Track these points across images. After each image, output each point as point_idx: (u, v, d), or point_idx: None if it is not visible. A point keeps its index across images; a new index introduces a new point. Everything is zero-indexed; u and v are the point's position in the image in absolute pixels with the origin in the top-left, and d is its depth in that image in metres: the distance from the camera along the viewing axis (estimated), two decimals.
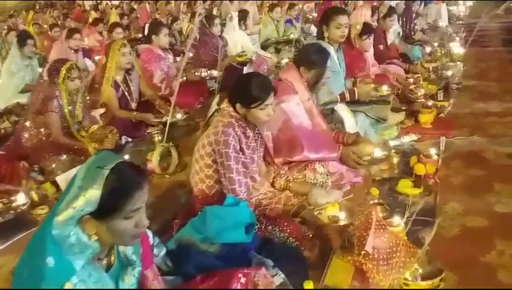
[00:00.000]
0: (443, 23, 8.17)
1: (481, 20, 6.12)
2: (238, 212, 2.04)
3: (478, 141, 3.24)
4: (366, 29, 3.97)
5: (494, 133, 3.35)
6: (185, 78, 4.62)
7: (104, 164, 1.30)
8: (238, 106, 2.17)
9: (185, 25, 8.43)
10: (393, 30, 5.54)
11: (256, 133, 2.36)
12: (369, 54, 4.45)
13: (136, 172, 1.36)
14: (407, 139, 3.32)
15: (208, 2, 12.26)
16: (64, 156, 3.24)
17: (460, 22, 8.77)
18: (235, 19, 6.36)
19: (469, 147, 3.15)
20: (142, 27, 7.30)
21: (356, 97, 3.34)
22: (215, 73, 4.75)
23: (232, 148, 2.13)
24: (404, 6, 5.86)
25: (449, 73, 4.50)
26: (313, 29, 8.37)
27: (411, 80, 4.52)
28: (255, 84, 2.14)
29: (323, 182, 2.51)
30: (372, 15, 4.46)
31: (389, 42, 5.44)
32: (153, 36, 4.45)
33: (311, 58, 2.71)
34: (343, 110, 3.18)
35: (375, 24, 4.52)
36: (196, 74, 4.77)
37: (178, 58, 6.80)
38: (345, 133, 2.93)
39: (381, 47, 5.02)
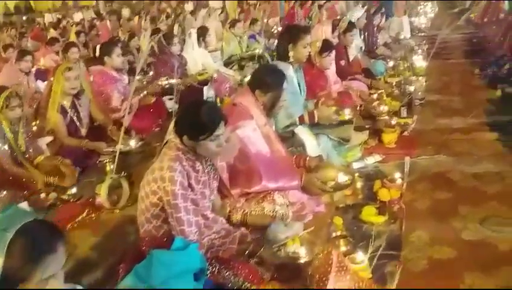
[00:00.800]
0: (406, 35, 8.24)
1: (442, 32, 6.19)
2: (186, 257, 1.84)
3: (443, 160, 3.15)
4: (326, 46, 3.87)
5: (459, 151, 3.28)
6: (145, 92, 4.42)
7: (9, 225, 1.11)
8: (185, 138, 1.98)
9: (144, 42, 8.20)
10: (355, 45, 5.48)
11: (209, 165, 2.17)
12: (331, 71, 4.35)
13: (49, 233, 1.17)
14: (371, 160, 3.20)
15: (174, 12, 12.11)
16: (4, 192, 2.97)
17: (422, 34, 8.89)
18: (194, 36, 6.17)
19: (434, 168, 3.05)
20: (94, 47, 7.05)
21: (316, 120, 3.21)
22: (173, 81, 4.55)
23: (179, 185, 1.93)
24: (365, 21, 5.83)
25: (412, 88, 4.44)
26: None
27: (375, 96, 4.45)
28: (203, 114, 1.96)
29: (283, 214, 2.34)
30: (333, 31, 4.37)
31: (351, 57, 5.37)
32: (106, 57, 4.23)
33: (266, 81, 2.56)
34: (304, 133, 3.03)
35: (335, 40, 4.43)
36: (155, 82, 4.57)
37: (138, 77, 6.59)
38: (306, 157, 2.79)
39: (343, 63, 4.94)
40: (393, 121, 3.56)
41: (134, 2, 20.36)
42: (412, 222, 2.40)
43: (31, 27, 16.98)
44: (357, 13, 5.66)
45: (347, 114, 3.39)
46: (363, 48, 5.71)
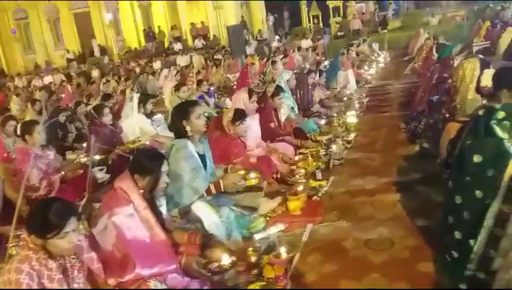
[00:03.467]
0: (351, 89, 8.51)
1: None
2: None
3: (344, 226, 3.18)
4: (239, 115, 3.97)
5: (361, 215, 3.32)
6: (62, 172, 4.41)
7: None
8: (32, 237, 1.98)
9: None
10: (287, 106, 5.65)
11: (73, 258, 2.16)
12: (253, 136, 4.46)
13: None
14: (274, 230, 3.21)
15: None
16: None
17: (368, 86, 9.19)
18: (135, 101, 6.31)
19: (332, 235, 3.08)
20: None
21: (222, 189, 3.25)
22: (97, 157, 4.57)
23: (26, 288, 1.90)
24: (295, 82, 6.02)
25: (334, 147, 4.54)
26: (228, 102, 8.51)
27: (297, 158, 4.53)
28: (49, 212, 1.97)
29: None
30: (250, 97, 4.49)
31: (283, 118, 5.52)
32: (26, 136, 4.29)
33: (143, 165, 2.60)
34: (200, 209, 3.05)
35: (254, 106, 4.55)
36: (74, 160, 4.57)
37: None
38: (197, 235, 2.80)
39: (273, 125, 5.07)
40: (300, 188, 3.61)
41: (105, 62, 20.76)
42: None
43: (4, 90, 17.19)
44: (286, 76, 5.86)
45: (252, 178, 3.42)
46: (296, 108, 5.85)
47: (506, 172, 2.12)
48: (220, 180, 3.30)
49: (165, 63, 18.55)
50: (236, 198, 3.49)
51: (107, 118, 5.24)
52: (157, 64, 18.32)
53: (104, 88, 11.08)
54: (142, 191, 2.59)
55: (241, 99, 4.50)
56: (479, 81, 3.07)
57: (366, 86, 9.20)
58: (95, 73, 18.63)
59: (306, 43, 18.09)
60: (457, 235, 2.30)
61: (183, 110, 3.31)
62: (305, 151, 4.81)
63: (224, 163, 3.79)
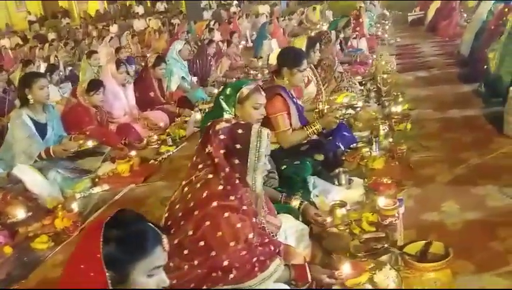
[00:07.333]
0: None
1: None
2: None
3: (158, 186, 3.58)
4: (93, 85, 4.27)
5: (182, 176, 3.70)
6: None
7: None
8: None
9: (17, 74, 8.48)
10: (178, 76, 5.95)
11: None
12: (121, 105, 4.80)
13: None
14: (98, 190, 3.60)
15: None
16: None
17: None
18: (42, 70, 6.58)
19: (144, 194, 3.50)
20: None
21: (53, 156, 3.60)
22: None
23: None
24: (187, 52, 6.26)
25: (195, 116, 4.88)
26: None
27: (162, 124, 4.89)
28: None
29: None
30: (118, 68, 4.77)
31: (173, 87, 5.83)
32: None
33: None
34: (23, 171, 3.40)
35: (122, 76, 4.84)
36: None
37: None
38: (10, 193, 3.20)
39: (152, 94, 5.37)
40: (133, 152, 3.99)
41: (62, 26, 20.56)
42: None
43: None
44: (178, 46, 6.11)
45: (90, 144, 3.78)
46: (188, 77, 6.14)
47: None
48: (51, 147, 3.63)
49: (122, 27, 18.46)
50: (78, 162, 3.87)
51: None
52: (114, 28, 18.20)
53: (39, 54, 11.16)
54: None
55: (108, 70, 4.79)
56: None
57: None
58: (52, 36, 18.49)
59: (263, 8, 18.07)
60: None
61: (27, 80, 3.60)
62: (178, 120, 5.17)
63: (76, 131, 4.13)
